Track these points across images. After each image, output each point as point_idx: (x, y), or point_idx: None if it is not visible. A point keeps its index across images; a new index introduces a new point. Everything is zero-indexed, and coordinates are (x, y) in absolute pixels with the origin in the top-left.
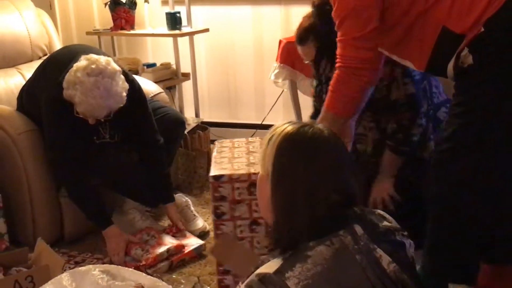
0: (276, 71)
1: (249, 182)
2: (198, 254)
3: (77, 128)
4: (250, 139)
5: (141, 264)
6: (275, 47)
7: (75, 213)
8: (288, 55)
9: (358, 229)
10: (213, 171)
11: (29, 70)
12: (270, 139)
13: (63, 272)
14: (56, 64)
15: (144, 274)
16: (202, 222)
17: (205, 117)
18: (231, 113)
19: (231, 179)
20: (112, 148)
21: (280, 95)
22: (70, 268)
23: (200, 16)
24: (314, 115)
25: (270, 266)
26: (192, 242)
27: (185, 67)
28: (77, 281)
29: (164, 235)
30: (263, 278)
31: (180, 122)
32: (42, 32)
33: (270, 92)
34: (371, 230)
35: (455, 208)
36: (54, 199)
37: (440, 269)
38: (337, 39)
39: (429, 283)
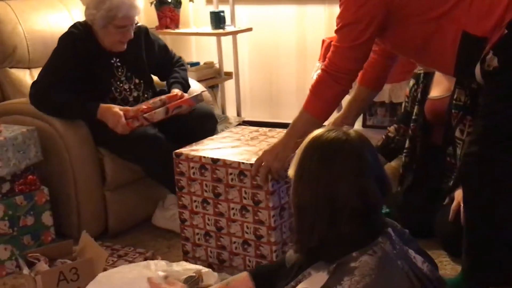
0: (319, 71)
1: (200, 164)
2: (195, 101)
3: (93, 76)
4: (266, 129)
5: (138, 113)
6: (318, 47)
7: (120, 207)
8: None
9: (392, 233)
10: (180, 149)
11: None
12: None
13: (106, 264)
14: None
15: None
16: None
17: (247, 116)
18: (272, 112)
19: (187, 158)
20: (153, 135)
21: None
22: (113, 261)
23: (243, 15)
24: (404, 117)
25: (315, 282)
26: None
27: (228, 66)
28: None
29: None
30: None
31: (209, 115)
32: None
33: None
34: (398, 231)
35: (486, 211)
36: (99, 193)
37: (479, 273)
38: (332, 43)
39: (469, 287)
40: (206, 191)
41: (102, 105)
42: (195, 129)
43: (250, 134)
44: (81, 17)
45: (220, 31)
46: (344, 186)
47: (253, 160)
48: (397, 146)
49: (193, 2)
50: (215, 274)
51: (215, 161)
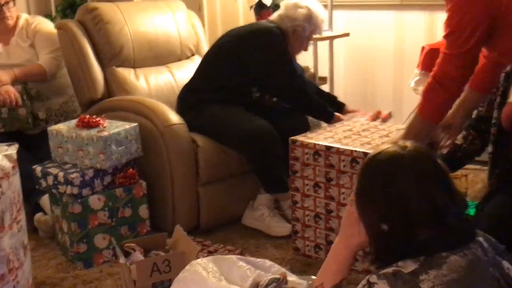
0: (417, 78)
1: (314, 150)
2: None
3: None
4: (377, 123)
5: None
6: (417, 54)
7: (212, 204)
8: (430, 62)
9: (484, 242)
10: (296, 136)
11: (177, 68)
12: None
13: (197, 259)
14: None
15: (278, 266)
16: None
17: None
18: None
19: (302, 145)
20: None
21: None
22: (203, 257)
23: (341, 20)
24: (475, 123)
25: (403, 267)
26: None
27: (323, 71)
28: (222, 269)
29: None
30: (397, 273)
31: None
32: (191, 33)
33: (408, 99)
34: (493, 244)
35: None
36: (194, 189)
37: None
38: (441, 49)
39: None
40: (318, 176)
41: (336, 114)
42: (286, 126)
43: (361, 126)
44: (185, 21)
45: (317, 36)
46: (411, 197)
47: (365, 149)
48: (464, 154)
49: None
50: (302, 281)
51: (328, 148)
